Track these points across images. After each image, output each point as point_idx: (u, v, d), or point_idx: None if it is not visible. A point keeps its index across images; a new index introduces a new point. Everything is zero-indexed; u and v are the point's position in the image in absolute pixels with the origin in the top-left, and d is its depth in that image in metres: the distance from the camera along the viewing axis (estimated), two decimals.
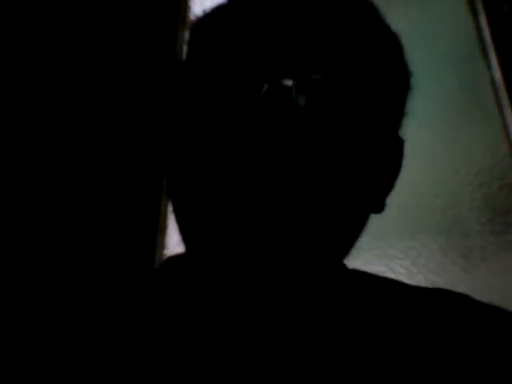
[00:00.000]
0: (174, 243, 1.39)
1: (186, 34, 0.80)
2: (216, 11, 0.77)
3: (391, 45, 0.77)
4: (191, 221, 0.74)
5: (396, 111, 0.77)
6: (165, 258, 1.38)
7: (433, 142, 1.55)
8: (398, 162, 0.79)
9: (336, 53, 0.71)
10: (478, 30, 1.58)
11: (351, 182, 0.71)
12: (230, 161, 0.70)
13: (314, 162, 0.70)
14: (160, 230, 1.39)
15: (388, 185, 0.78)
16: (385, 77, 0.74)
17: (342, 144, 0.71)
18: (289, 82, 0.69)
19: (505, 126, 1.55)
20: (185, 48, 0.80)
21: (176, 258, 0.82)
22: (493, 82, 1.57)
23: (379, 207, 0.77)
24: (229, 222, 0.71)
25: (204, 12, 0.78)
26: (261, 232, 0.70)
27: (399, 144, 0.79)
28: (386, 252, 1.46)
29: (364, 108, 0.71)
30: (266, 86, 0.69)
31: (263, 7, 0.73)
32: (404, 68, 0.78)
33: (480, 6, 1.57)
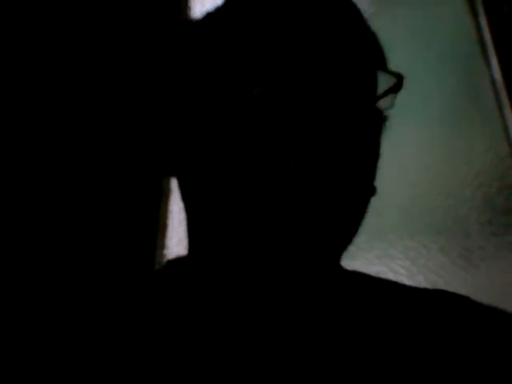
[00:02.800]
0: (174, 243, 1.39)
1: None
2: (210, 15, 0.78)
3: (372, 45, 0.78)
4: (202, 221, 0.75)
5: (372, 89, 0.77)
6: (165, 258, 1.38)
7: (433, 142, 1.55)
8: (378, 140, 0.79)
9: (327, 58, 0.73)
10: (478, 30, 1.58)
11: (351, 172, 0.73)
12: (238, 162, 0.71)
13: (320, 158, 0.71)
14: (160, 230, 1.39)
15: (374, 166, 0.78)
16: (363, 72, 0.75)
17: (336, 138, 0.72)
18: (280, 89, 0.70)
19: (505, 127, 1.55)
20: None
21: (177, 260, 0.82)
22: (493, 82, 1.57)
23: (373, 191, 0.77)
24: (237, 222, 0.72)
25: (197, 17, 0.80)
26: (267, 232, 0.71)
27: (378, 122, 0.79)
28: (385, 252, 1.46)
29: (348, 99, 0.73)
30: (258, 89, 0.70)
31: (257, 11, 0.74)
32: (375, 47, 0.78)
33: (480, 6, 1.57)
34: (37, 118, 1.39)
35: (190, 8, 1.47)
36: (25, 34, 1.40)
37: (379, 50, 0.78)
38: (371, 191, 0.76)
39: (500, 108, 1.56)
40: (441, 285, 1.45)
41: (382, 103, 0.76)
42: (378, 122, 0.77)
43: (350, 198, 0.73)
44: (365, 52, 0.75)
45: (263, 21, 0.74)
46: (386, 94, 0.75)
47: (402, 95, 1.46)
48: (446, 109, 1.58)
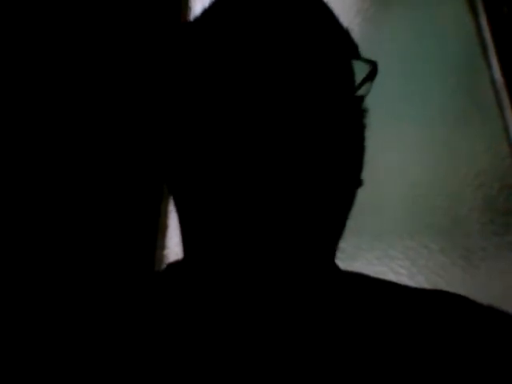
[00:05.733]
0: (174, 244, 1.39)
1: None
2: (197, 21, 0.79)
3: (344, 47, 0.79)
4: (194, 223, 0.75)
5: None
6: (165, 258, 1.38)
7: (433, 142, 1.55)
8: (360, 132, 0.79)
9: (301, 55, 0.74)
10: (478, 30, 1.58)
11: (334, 165, 0.74)
12: (224, 163, 0.72)
13: (303, 157, 0.72)
14: (160, 231, 1.39)
15: (358, 159, 0.78)
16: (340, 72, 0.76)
17: (316, 132, 0.73)
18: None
19: (505, 127, 1.55)
20: None
21: (176, 264, 0.82)
22: (493, 82, 1.57)
23: (358, 183, 0.78)
24: (229, 222, 0.72)
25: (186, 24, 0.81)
26: (260, 231, 0.71)
27: (360, 117, 0.80)
28: (386, 253, 1.46)
29: (325, 93, 0.74)
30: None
31: (234, 16, 0.76)
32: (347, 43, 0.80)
33: (480, 7, 1.57)
34: (38, 119, 1.39)
35: (190, 8, 1.47)
36: (25, 36, 1.40)
37: (350, 42, 0.79)
38: (356, 183, 0.77)
39: (500, 108, 1.56)
40: (441, 285, 1.45)
41: (360, 91, 0.77)
42: (357, 115, 0.77)
43: (333, 191, 0.73)
44: (336, 45, 0.76)
45: (239, 25, 0.75)
46: (362, 83, 0.76)
47: (402, 95, 1.46)
48: (446, 109, 1.58)
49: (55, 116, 1.39)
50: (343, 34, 0.79)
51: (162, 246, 1.40)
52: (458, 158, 1.56)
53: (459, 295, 0.83)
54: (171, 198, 0.80)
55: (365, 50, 0.81)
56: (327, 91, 0.74)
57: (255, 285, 0.74)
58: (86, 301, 0.80)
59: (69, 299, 0.80)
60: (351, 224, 0.78)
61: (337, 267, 0.81)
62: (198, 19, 0.79)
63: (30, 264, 1.35)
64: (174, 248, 1.39)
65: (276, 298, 0.74)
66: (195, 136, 0.74)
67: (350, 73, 0.77)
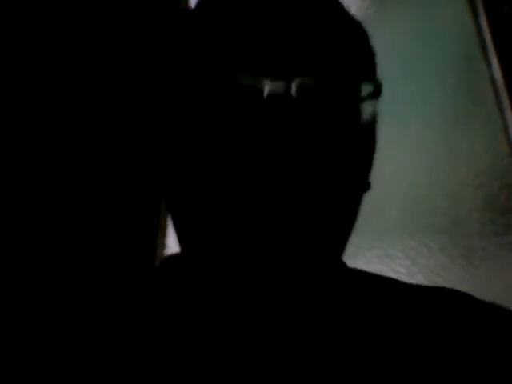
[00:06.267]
0: (174, 242, 1.39)
1: None
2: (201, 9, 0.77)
3: (360, 37, 0.78)
4: (190, 223, 0.75)
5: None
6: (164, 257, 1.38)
7: (433, 142, 1.55)
8: (374, 137, 0.79)
9: (320, 55, 0.72)
10: (478, 30, 1.58)
11: (343, 170, 0.73)
12: (229, 160, 0.71)
13: (310, 158, 0.71)
14: (160, 230, 1.39)
15: (369, 162, 0.78)
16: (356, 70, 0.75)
17: (331, 137, 0.72)
18: (288, 84, 0.70)
19: (505, 127, 1.55)
20: None
21: (174, 257, 0.82)
22: (493, 81, 1.57)
23: (366, 186, 0.77)
24: (228, 223, 0.72)
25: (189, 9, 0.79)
26: (260, 232, 0.71)
27: (373, 120, 0.79)
28: (386, 252, 1.46)
29: (343, 102, 0.73)
30: (266, 88, 0.70)
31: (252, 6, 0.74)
32: (368, 51, 0.79)
33: (480, 6, 1.57)
34: (37, 120, 1.39)
35: (190, 8, 1.47)
36: (18, 24, 1.41)
37: (364, 54, 0.78)
38: (364, 187, 0.76)
39: (500, 108, 1.56)
40: (441, 284, 1.45)
41: (365, 107, 0.75)
42: (367, 117, 0.76)
43: (341, 193, 0.73)
44: (349, 53, 0.75)
45: (242, 22, 0.73)
46: (365, 98, 0.75)
47: (402, 95, 1.46)
48: (447, 109, 1.58)
49: (55, 114, 1.39)
50: (355, 37, 0.77)
51: (163, 245, 1.40)
52: (458, 158, 1.56)
53: (460, 291, 0.83)
54: (166, 200, 0.79)
55: None
56: (336, 92, 0.73)
57: (257, 281, 0.74)
58: (86, 300, 0.80)
59: (69, 298, 0.80)
60: None
61: (344, 264, 0.81)
62: (198, 8, 0.77)
63: (30, 262, 1.35)
64: (174, 247, 1.39)
65: (278, 293, 0.74)
66: (194, 135, 0.74)
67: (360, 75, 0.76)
